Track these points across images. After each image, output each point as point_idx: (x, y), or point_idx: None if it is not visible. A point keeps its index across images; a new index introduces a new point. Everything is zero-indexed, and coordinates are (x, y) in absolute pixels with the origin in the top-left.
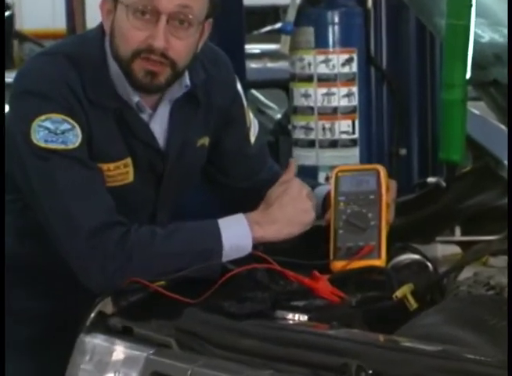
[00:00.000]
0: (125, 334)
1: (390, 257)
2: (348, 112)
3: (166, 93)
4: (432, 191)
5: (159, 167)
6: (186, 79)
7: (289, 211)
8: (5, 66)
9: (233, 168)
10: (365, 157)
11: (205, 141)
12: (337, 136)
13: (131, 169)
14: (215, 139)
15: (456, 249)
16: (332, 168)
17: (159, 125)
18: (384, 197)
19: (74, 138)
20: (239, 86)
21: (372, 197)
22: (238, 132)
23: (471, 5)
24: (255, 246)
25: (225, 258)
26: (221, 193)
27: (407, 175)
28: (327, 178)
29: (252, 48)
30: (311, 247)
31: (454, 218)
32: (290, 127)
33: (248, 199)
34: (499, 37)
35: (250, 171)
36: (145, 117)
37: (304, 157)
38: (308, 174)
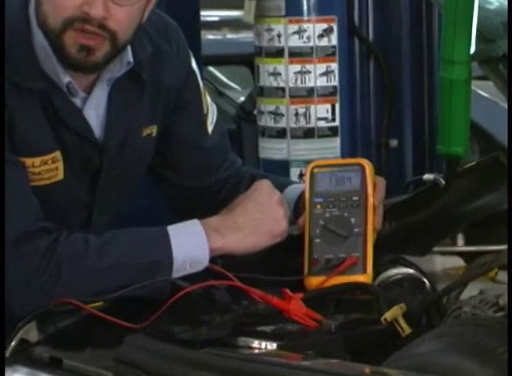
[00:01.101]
0: (53, 366)
1: (377, 271)
2: (327, 94)
3: (104, 72)
4: (429, 191)
5: (95, 162)
6: (129, 55)
7: (255, 217)
8: (4, 62)
9: (186, 163)
10: (348, 150)
11: (152, 130)
12: (313, 124)
13: (60, 165)
14: (164, 127)
15: (459, 261)
16: (307, 162)
17: (95, 111)
18: (371, 199)
19: None
20: (193, 63)
21: (355, 198)
22: (192, 120)
23: None
24: (213, 259)
25: (176, 274)
26: (171, 194)
27: (399, 171)
28: (301, 176)
29: (209, 15)
30: (280, 259)
31: (456, 224)
32: (255, 112)
33: (205, 201)
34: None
35: (207, 167)
36: (77, 101)
37: (272, 149)
38: (278, 170)
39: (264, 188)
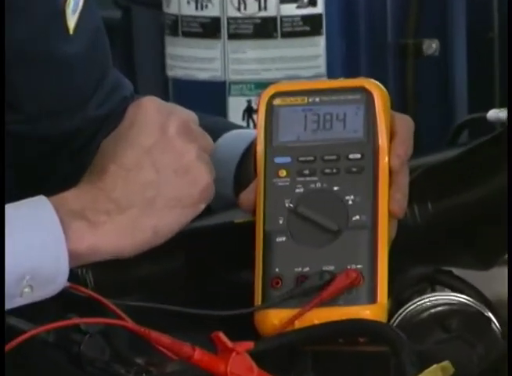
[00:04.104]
0: None
1: (398, 299)
2: None
3: None
4: (499, 142)
5: None
6: None
7: (145, 179)
8: (4, 66)
9: (30, 92)
10: (342, 61)
11: None
12: (272, 11)
13: None
14: None
15: None
16: (260, 86)
17: None
18: (385, 157)
19: None
20: None
21: (354, 156)
22: (37, 7)
23: None
24: (78, 272)
25: (6, 303)
26: (10, 152)
27: (441, 102)
28: (249, 112)
29: None
30: (212, 273)
31: None
32: None
33: (66, 162)
34: None
35: (68, 97)
36: None
37: (193, 60)
38: (204, 100)
39: (147, 114)
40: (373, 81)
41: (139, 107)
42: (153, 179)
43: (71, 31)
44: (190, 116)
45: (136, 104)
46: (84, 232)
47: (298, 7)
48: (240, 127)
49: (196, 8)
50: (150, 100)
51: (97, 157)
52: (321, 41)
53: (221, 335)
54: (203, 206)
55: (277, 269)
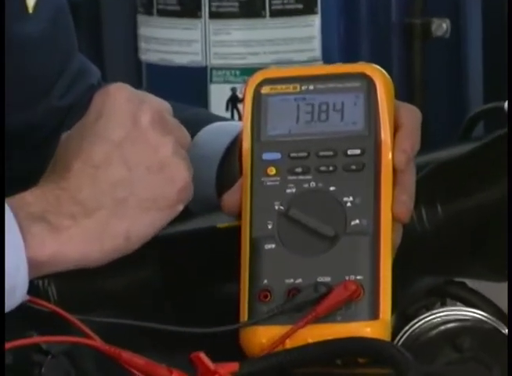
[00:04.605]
0: None
1: (404, 314)
2: None
3: None
4: None
5: None
6: None
7: (114, 176)
8: (5, 65)
9: None
10: (339, 43)
11: None
12: None
13: None
14: None
15: None
16: (246, 72)
17: None
18: (388, 153)
19: None
20: None
21: (353, 151)
22: None
23: None
24: (36, 286)
25: None
26: None
27: (452, 90)
28: (233, 102)
29: None
30: (191, 286)
31: None
32: None
33: (26, 158)
34: None
35: (28, 85)
36: None
37: (169, 43)
38: (183, 88)
39: (116, 104)
40: (374, 66)
41: (107, 96)
42: (125, 177)
43: (30, 10)
44: (163, 105)
45: (103, 92)
46: (46, 237)
47: None
48: (224, 119)
49: None
50: (119, 88)
51: (59, 152)
52: (316, 21)
53: (202, 356)
54: (180, 207)
55: (266, 281)
